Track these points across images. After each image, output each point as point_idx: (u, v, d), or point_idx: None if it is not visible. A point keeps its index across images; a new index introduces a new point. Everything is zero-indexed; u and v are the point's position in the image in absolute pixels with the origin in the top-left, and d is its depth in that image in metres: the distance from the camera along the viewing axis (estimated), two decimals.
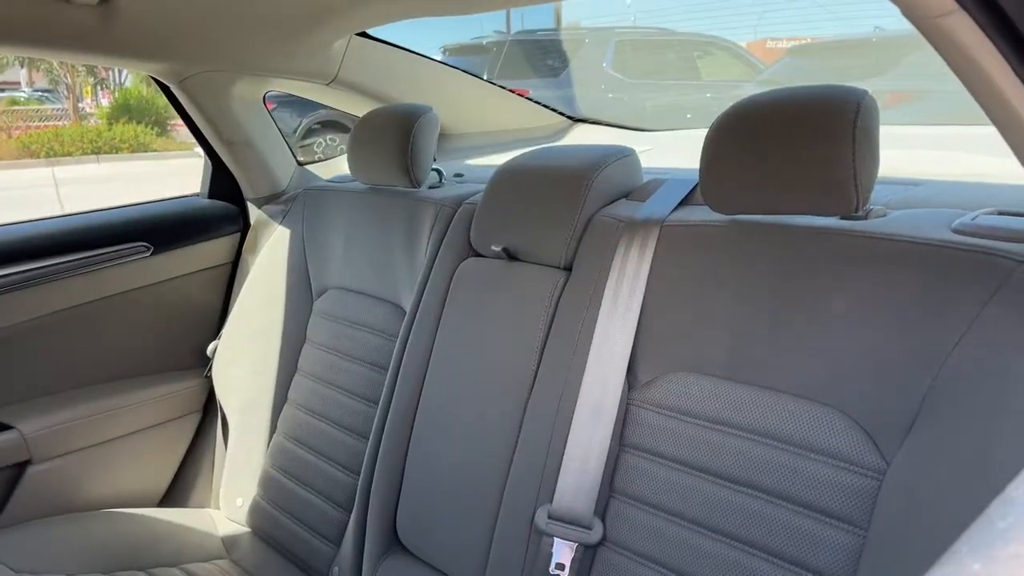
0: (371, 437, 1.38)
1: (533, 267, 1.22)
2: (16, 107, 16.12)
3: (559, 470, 1.07)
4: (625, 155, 1.27)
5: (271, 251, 1.74)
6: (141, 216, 1.81)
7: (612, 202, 1.22)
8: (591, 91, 6.83)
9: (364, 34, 1.77)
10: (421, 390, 1.32)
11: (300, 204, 1.72)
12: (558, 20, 9.12)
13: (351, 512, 1.39)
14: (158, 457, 1.84)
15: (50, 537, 1.50)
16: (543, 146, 1.40)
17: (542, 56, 7.12)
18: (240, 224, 1.95)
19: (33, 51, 1.42)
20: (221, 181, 1.92)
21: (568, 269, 1.18)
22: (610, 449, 1.04)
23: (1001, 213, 0.89)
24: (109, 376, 1.79)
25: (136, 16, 1.33)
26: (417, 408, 1.32)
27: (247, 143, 1.84)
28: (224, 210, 1.93)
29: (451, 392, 1.27)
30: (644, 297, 1.06)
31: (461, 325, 1.28)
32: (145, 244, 1.77)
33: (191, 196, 1.97)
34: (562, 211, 1.19)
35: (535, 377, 1.15)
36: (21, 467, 1.63)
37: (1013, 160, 0.76)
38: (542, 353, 1.16)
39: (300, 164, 2.00)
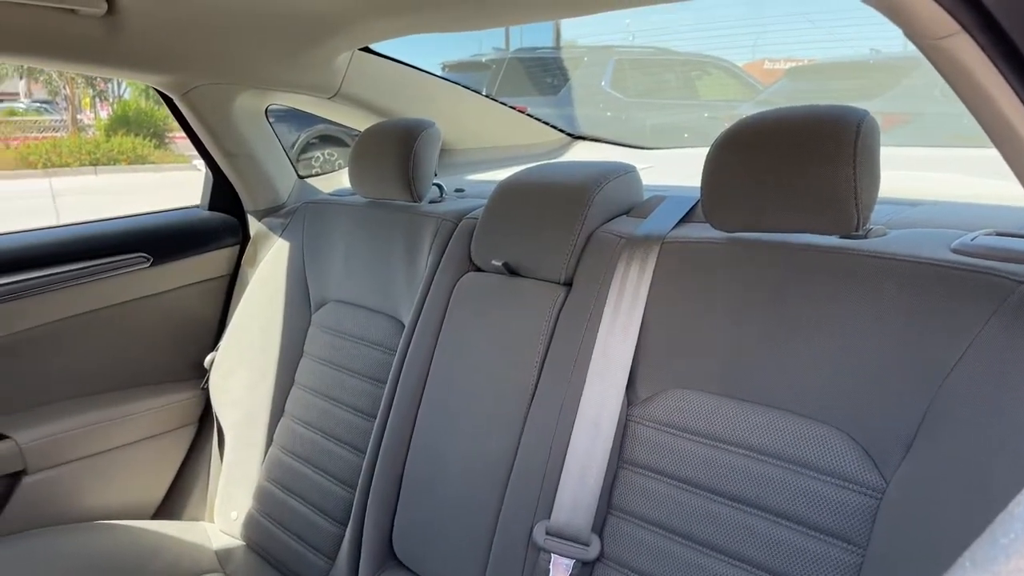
0: (368, 451, 1.37)
1: (533, 282, 1.22)
2: (14, 118, 16.16)
3: (557, 485, 1.06)
4: (626, 172, 1.27)
5: (270, 264, 1.74)
6: (141, 227, 1.81)
7: (613, 218, 1.23)
8: (589, 109, 6.86)
9: (367, 49, 1.78)
10: (419, 404, 1.32)
11: (300, 217, 1.72)
12: (557, 38, 9.20)
13: (347, 526, 1.38)
14: (153, 469, 1.84)
15: (44, 548, 1.49)
16: (544, 162, 1.41)
17: (541, 74, 7.16)
18: (240, 236, 1.95)
19: (38, 61, 1.43)
20: (221, 193, 1.93)
21: (568, 284, 1.19)
22: (608, 465, 1.04)
23: (1000, 234, 0.90)
24: (106, 387, 1.79)
25: (142, 28, 1.34)
26: (415, 422, 1.31)
27: (248, 155, 1.85)
28: (224, 222, 1.94)
29: (449, 406, 1.26)
30: (644, 313, 1.06)
31: (460, 339, 1.28)
32: (144, 255, 1.77)
33: (191, 208, 1.97)
34: (563, 227, 1.19)
35: (534, 392, 1.15)
36: (16, 477, 1.62)
37: (1011, 182, 0.76)
38: (541, 368, 1.16)
39: (301, 177, 2.01)
